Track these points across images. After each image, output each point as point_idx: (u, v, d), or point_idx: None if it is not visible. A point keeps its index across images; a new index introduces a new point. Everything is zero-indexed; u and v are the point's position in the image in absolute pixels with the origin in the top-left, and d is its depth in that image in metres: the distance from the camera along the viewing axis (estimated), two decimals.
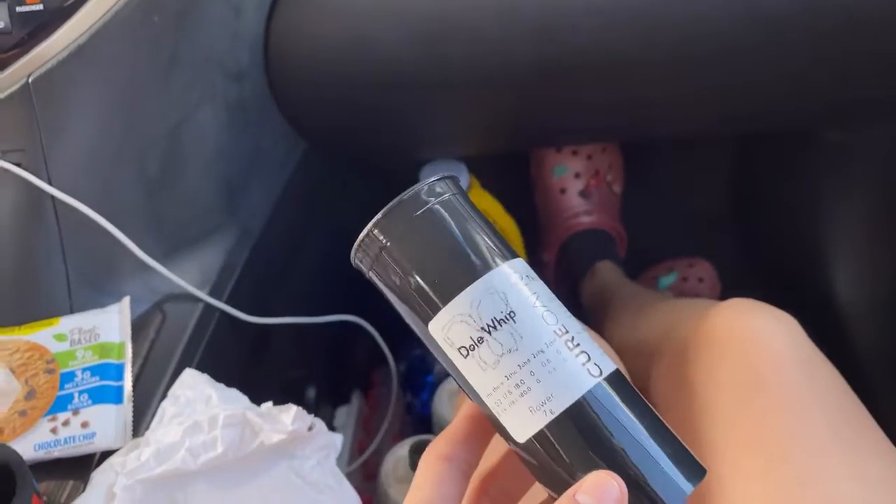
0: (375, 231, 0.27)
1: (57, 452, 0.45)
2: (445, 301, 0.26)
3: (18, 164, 0.49)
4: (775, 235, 1.00)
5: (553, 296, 0.27)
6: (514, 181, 1.00)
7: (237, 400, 0.46)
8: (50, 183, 0.50)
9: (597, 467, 0.25)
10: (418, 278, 0.27)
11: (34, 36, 0.48)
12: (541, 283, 0.28)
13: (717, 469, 0.41)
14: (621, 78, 0.61)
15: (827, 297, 0.89)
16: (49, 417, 0.46)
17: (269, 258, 0.67)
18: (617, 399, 0.26)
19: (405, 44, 0.56)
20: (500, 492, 0.29)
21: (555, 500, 0.26)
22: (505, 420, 0.26)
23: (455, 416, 0.29)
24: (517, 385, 0.25)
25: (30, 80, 0.48)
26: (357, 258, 0.28)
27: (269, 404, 0.46)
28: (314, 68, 0.58)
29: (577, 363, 0.25)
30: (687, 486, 0.25)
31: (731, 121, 0.73)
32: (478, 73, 0.59)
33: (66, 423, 0.46)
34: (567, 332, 0.26)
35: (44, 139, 0.49)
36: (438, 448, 0.28)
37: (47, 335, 0.50)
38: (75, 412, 0.47)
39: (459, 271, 0.26)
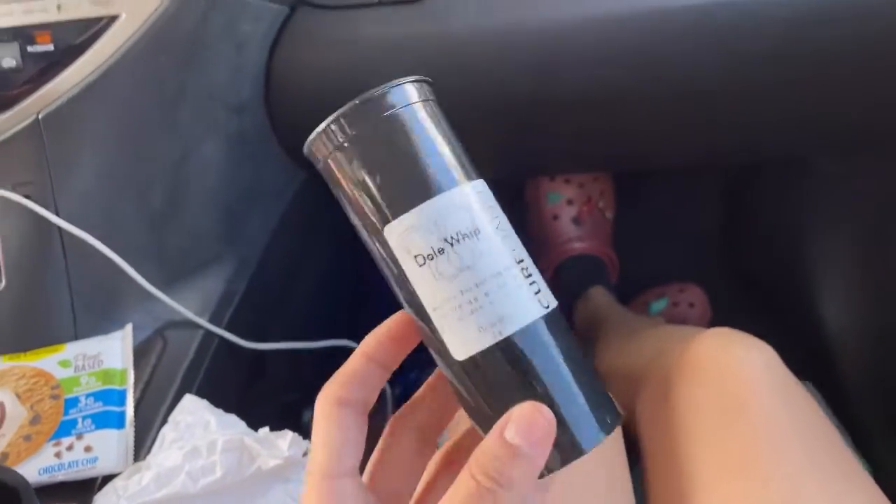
0: (343, 120, 0.26)
1: (61, 476, 0.47)
2: (410, 206, 0.25)
3: (28, 197, 0.51)
4: (766, 261, 1.02)
5: (510, 226, 0.27)
6: (509, 207, 1.02)
7: (235, 425, 0.47)
8: (57, 214, 0.52)
9: (528, 395, 0.25)
10: (384, 176, 0.26)
11: (44, 74, 0.51)
12: (500, 210, 0.27)
13: (699, 492, 0.43)
14: (614, 112, 0.63)
15: (817, 325, 0.90)
16: (53, 442, 0.48)
17: (266, 285, 0.68)
18: (557, 333, 0.26)
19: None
20: (421, 423, 0.29)
21: (479, 430, 0.26)
22: (448, 335, 0.26)
23: (350, 357, 0.28)
24: (470, 301, 0.25)
25: (40, 117, 0.50)
26: (314, 146, 0.27)
27: (266, 430, 0.47)
28: (312, 101, 0.60)
29: (531, 290, 0.26)
30: (605, 429, 0.26)
31: (720, 152, 0.75)
32: (474, 106, 0.61)
33: (69, 448, 0.48)
34: (523, 261, 0.26)
35: (52, 173, 0.51)
36: (334, 392, 0.27)
37: (52, 361, 0.52)
38: (79, 437, 0.48)
39: (432, 178, 0.26)
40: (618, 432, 0.50)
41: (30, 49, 0.50)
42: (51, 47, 0.50)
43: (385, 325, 0.28)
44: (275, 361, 0.69)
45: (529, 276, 0.26)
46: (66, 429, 0.49)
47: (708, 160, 0.85)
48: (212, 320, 0.58)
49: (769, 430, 0.43)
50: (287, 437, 0.46)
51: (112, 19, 0.49)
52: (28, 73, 0.51)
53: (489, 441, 0.24)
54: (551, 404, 0.25)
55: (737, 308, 1.01)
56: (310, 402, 0.78)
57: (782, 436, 0.43)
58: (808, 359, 0.88)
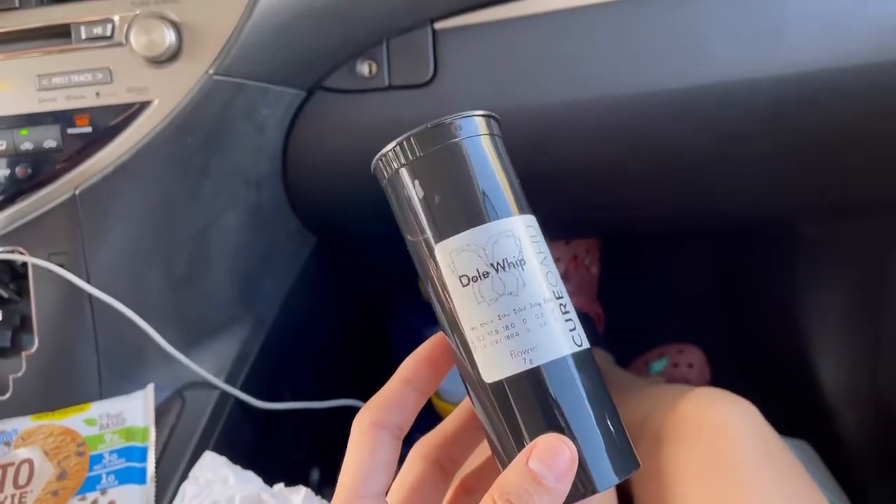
0: (414, 140, 0.28)
1: None
2: (465, 227, 0.27)
3: (62, 265, 0.55)
4: (761, 321, 1.04)
5: (554, 265, 0.28)
6: None
7: (252, 481, 0.50)
8: (88, 281, 0.56)
9: (550, 427, 0.25)
10: (445, 196, 0.27)
11: (82, 153, 0.55)
12: (547, 248, 0.28)
13: None
14: (604, 185, 0.66)
15: (813, 384, 0.91)
16: (79, 497, 0.51)
17: (279, 346, 0.72)
18: (587, 372, 0.27)
19: None
20: (444, 456, 0.30)
21: (499, 458, 0.26)
22: (480, 356, 0.26)
23: (388, 382, 0.29)
24: (507, 327, 0.26)
25: (76, 192, 0.55)
26: (381, 162, 0.29)
27: (281, 485, 0.50)
28: (325, 177, 0.64)
29: (566, 327, 0.27)
30: (620, 475, 0.26)
31: (705, 219, 0.78)
32: None
33: (94, 503, 0.50)
34: (562, 297, 0.27)
35: (85, 243, 0.55)
36: (371, 415, 0.28)
37: (78, 420, 0.55)
38: (103, 492, 0.51)
39: (487, 205, 0.27)
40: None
41: (69, 131, 0.55)
42: (89, 129, 0.55)
43: (422, 348, 0.29)
44: (285, 420, 0.71)
45: (567, 313, 0.27)
46: (91, 484, 0.51)
47: (694, 226, 0.88)
48: (227, 381, 0.62)
49: (751, 488, 0.45)
50: (301, 493, 0.48)
51: (145, 105, 0.54)
52: (67, 152, 0.55)
53: (514, 468, 0.25)
54: (572, 439, 0.25)
55: (734, 368, 1.03)
56: (317, 462, 0.81)
57: (765, 490, 0.45)
58: (804, 417, 0.90)
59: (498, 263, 0.26)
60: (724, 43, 0.55)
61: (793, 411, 0.84)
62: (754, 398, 0.52)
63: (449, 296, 0.27)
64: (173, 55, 0.54)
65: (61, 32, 0.55)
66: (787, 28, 0.54)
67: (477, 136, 0.28)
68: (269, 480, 0.52)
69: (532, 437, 0.26)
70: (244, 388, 0.63)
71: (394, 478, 0.29)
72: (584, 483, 0.26)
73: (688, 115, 0.57)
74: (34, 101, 0.55)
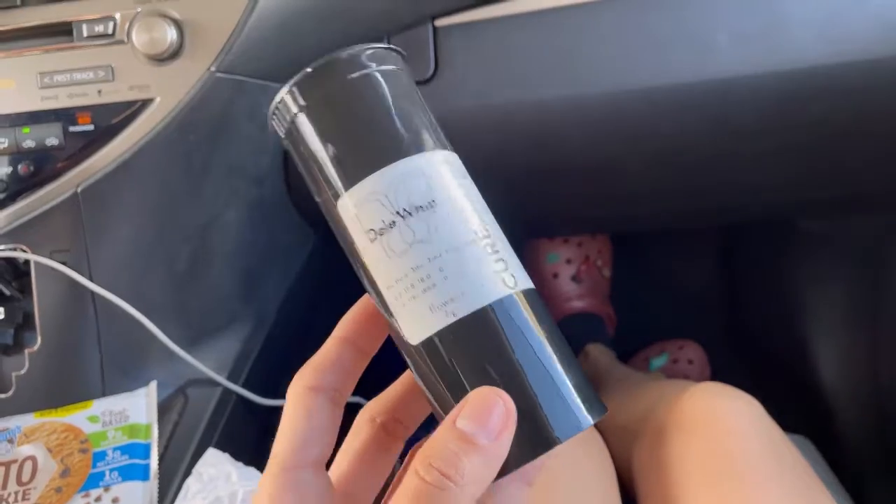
0: (297, 88, 0.24)
1: None
2: (364, 174, 0.23)
3: (64, 263, 0.55)
4: (762, 318, 1.04)
5: (482, 200, 0.25)
6: None
7: (255, 477, 0.50)
8: (91, 279, 0.56)
9: (490, 383, 0.22)
10: (338, 145, 0.24)
11: (84, 151, 0.55)
12: (472, 183, 0.25)
13: None
14: (607, 180, 0.67)
15: (813, 380, 0.91)
16: (82, 494, 0.51)
17: (281, 342, 0.72)
18: (527, 315, 0.23)
19: None
20: (391, 419, 0.27)
21: (439, 417, 0.23)
22: (401, 318, 0.23)
23: (324, 343, 0.26)
24: (422, 279, 0.23)
25: (78, 190, 0.55)
26: (274, 118, 0.25)
27: None
28: None
29: (493, 269, 0.23)
30: (584, 420, 0.23)
31: (708, 215, 0.79)
32: (476, 175, 0.65)
33: (98, 500, 0.51)
34: (489, 236, 0.24)
35: (87, 241, 0.56)
36: (305, 378, 0.25)
37: (81, 417, 0.55)
38: (106, 489, 0.51)
39: (388, 144, 0.24)
40: (613, 483, 0.52)
41: (71, 129, 0.55)
42: (91, 127, 0.55)
43: (358, 303, 0.26)
44: None
45: (496, 252, 0.24)
46: (94, 481, 0.52)
47: (697, 222, 0.88)
48: (230, 377, 0.62)
49: (754, 482, 0.45)
50: None
51: (147, 102, 0.54)
52: (69, 150, 0.55)
53: (441, 431, 0.22)
54: (520, 390, 0.22)
55: (734, 364, 1.03)
56: None
57: (767, 485, 0.45)
58: (804, 413, 0.90)
59: (404, 209, 0.23)
60: (727, 38, 0.55)
61: (792, 408, 0.85)
62: (754, 394, 0.52)
63: (360, 255, 0.24)
64: (175, 53, 0.54)
65: (63, 30, 0.55)
66: (789, 23, 0.54)
67: (370, 72, 0.24)
68: None
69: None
70: (247, 385, 0.63)
71: (336, 448, 0.26)
72: (537, 437, 0.22)
73: (690, 110, 0.57)
74: (36, 99, 0.55)
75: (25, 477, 0.52)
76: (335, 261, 0.89)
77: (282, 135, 0.26)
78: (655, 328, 1.06)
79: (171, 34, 0.53)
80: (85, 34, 0.54)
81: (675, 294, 1.08)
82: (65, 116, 0.55)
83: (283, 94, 0.25)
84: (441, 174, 0.24)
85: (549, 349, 0.23)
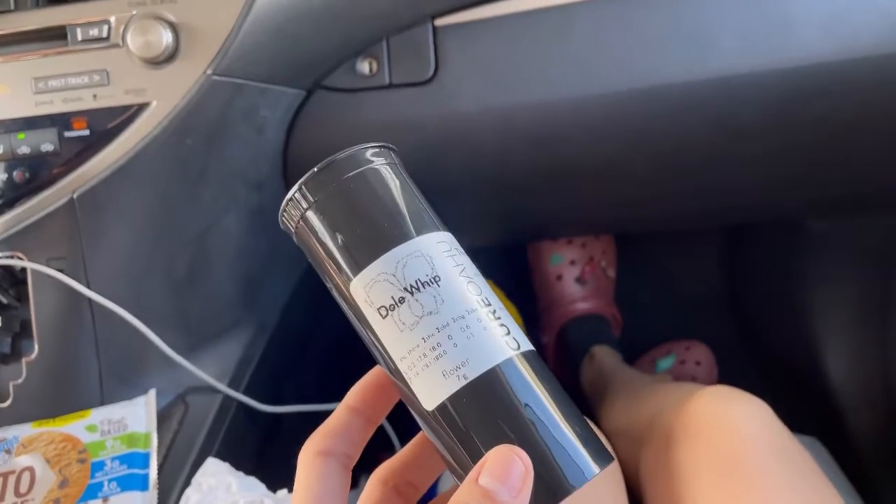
0: (305, 188, 0.27)
1: None
2: (371, 259, 0.26)
3: (61, 270, 0.55)
4: (768, 320, 1.03)
5: (478, 272, 0.28)
6: (515, 269, 1.06)
7: (255, 487, 0.49)
8: (88, 286, 0.55)
9: (503, 440, 0.24)
10: (346, 235, 0.27)
11: (80, 157, 0.54)
12: (467, 258, 0.28)
13: None
14: (609, 182, 0.66)
15: (822, 381, 0.90)
16: None
17: (282, 349, 0.71)
18: (532, 374, 0.25)
19: (409, 156, 0.61)
20: (402, 482, 0.29)
21: (457, 475, 0.25)
22: (416, 385, 0.25)
23: (335, 410, 0.28)
24: (433, 348, 0.25)
25: (74, 196, 0.54)
26: (284, 217, 0.28)
27: (285, 491, 0.49)
28: None
29: (497, 333, 0.25)
30: (590, 469, 0.24)
31: (711, 216, 0.78)
32: (478, 180, 0.64)
33: None
34: (490, 304, 0.26)
35: (84, 248, 0.55)
36: (316, 444, 0.27)
37: (79, 427, 0.54)
38: (105, 499, 0.50)
39: (389, 231, 0.26)
40: (621, 487, 0.52)
41: (67, 134, 0.55)
42: (86, 132, 0.54)
43: (368, 375, 0.28)
44: (289, 423, 0.71)
45: (498, 318, 0.26)
46: (93, 492, 0.51)
47: (700, 223, 0.87)
48: (231, 385, 0.61)
49: (765, 487, 0.44)
50: None
51: (143, 106, 0.54)
52: (65, 156, 0.55)
53: (464, 488, 0.23)
54: (531, 445, 0.24)
55: (742, 365, 1.02)
56: None
57: (778, 490, 0.44)
58: (813, 415, 0.89)
59: (412, 285, 0.26)
60: (730, 36, 0.54)
61: (801, 409, 0.83)
62: (762, 395, 0.52)
63: (374, 331, 0.26)
64: (171, 56, 0.53)
65: (57, 34, 0.54)
66: (793, 20, 0.53)
67: (367, 168, 0.28)
68: (275, 484, 0.52)
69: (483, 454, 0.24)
70: (247, 392, 0.62)
71: None
72: (553, 486, 0.24)
73: (693, 109, 0.57)
74: (31, 105, 0.55)
75: (23, 488, 0.51)
76: None
77: (292, 229, 0.28)
78: (662, 329, 1.05)
79: (167, 37, 0.52)
80: (79, 38, 0.54)
81: (681, 294, 1.08)
82: (60, 122, 0.54)
83: (293, 193, 0.28)
84: (439, 252, 0.27)
85: (555, 404, 0.25)
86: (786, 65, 0.54)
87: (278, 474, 0.55)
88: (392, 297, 0.26)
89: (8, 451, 0.53)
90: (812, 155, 0.63)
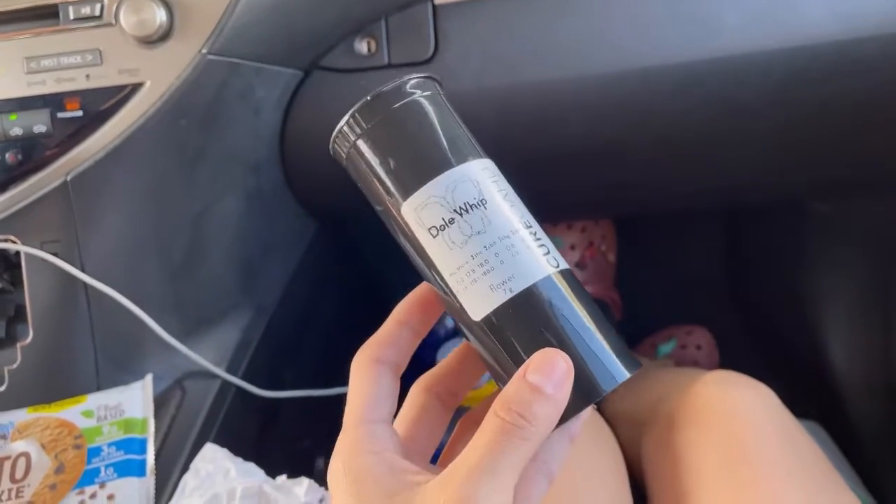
0: (358, 116, 0.29)
1: None
2: (422, 182, 0.28)
3: (55, 254, 0.54)
4: (770, 305, 1.03)
5: (518, 198, 0.30)
6: None
7: (254, 473, 0.49)
8: (83, 270, 0.54)
9: (544, 346, 0.26)
10: (397, 160, 0.29)
11: (73, 138, 0.53)
12: (508, 185, 0.30)
13: None
14: (610, 163, 0.65)
15: (824, 364, 0.90)
16: (77, 491, 0.50)
17: (281, 333, 0.70)
18: (569, 290, 0.28)
19: None
20: (444, 390, 0.32)
21: (503, 384, 0.27)
22: (464, 298, 0.28)
23: (384, 323, 0.31)
24: (481, 264, 0.27)
25: (68, 178, 0.53)
26: (336, 144, 0.30)
27: (284, 477, 0.49)
28: (324, 159, 0.62)
29: (539, 252, 0.28)
30: (622, 373, 0.27)
31: (713, 198, 0.77)
32: None
33: (93, 496, 0.49)
34: (531, 227, 0.29)
35: (79, 231, 0.54)
36: (371, 351, 0.30)
37: (75, 412, 0.54)
38: (102, 485, 0.50)
39: (438, 157, 0.29)
40: (622, 471, 0.51)
41: (59, 115, 0.54)
42: (79, 113, 0.53)
43: (413, 293, 0.31)
44: (288, 408, 0.70)
45: (538, 239, 0.28)
46: (89, 477, 0.50)
47: (703, 204, 0.87)
48: (228, 369, 0.60)
49: (769, 473, 0.44)
50: (304, 484, 0.47)
51: (137, 87, 0.53)
52: (58, 137, 0.54)
53: (512, 384, 0.26)
54: (569, 351, 0.26)
55: (744, 349, 1.02)
56: (322, 450, 0.80)
57: (782, 476, 0.44)
58: (814, 398, 0.89)
59: (461, 207, 0.28)
60: (735, 14, 0.53)
61: (803, 393, 0.83)
62: (764, 380, 0.51)
63: (424, 250, 0.29)
64: (165, 35, 0.52)
65: (49, 13, 0.53)
66: None
67: (414, 98, 0.29)
68: (274, 469, 0.51)
69: (528, 357, 0.27)
70: (246, 377, 0.62)
71: (396, 412, 0.30)
72: (586, 388, 0.27)
73: (695, 89, 0.56)
74: (23, 85, 0.54)
75: (19, 474, 0.50)
76: (336, 249, 0.88)
77: (343, 156, 0.30)
78: (663, 313, 1.04)
79: (161, 15, 0.51)
80: (71, 16, 0.52)
81: (682, 279, 1.07)
82: (53, 102, 0.53)
83: (343, 122, 0.29)
84: (485, 178, 0.29)
85: (589, 315, 0.28)
86: (790, 44, 0.53)
87: (278, 459, 0.55)
88: (442, 219, 0.28)
89: (3, 437, 0.52)
90: (816, 135, 0.62)
